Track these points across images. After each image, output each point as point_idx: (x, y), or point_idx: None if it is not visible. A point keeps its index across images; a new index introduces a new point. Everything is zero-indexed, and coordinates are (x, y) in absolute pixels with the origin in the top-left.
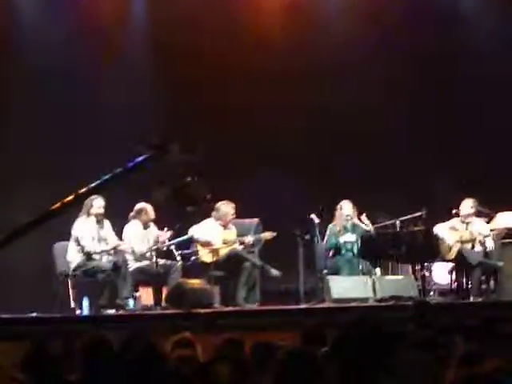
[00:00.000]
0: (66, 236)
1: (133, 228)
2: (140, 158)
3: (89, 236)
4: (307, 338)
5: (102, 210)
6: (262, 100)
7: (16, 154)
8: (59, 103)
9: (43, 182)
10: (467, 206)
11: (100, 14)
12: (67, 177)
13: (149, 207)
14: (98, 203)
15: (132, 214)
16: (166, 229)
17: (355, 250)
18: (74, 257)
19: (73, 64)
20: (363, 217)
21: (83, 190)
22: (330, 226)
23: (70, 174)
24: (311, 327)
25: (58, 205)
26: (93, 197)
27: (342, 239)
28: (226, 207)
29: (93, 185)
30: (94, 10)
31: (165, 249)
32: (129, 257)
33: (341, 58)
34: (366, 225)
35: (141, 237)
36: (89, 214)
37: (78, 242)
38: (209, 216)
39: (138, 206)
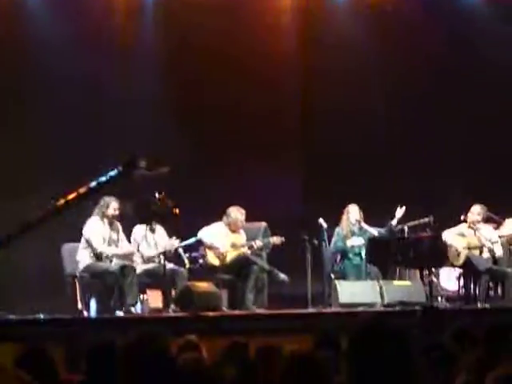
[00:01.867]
0: (74, 237)
1: (141, 231)
2: (111, 173)
3: (100, 237)
4: (319, 342)
5: (116, 212)
6: (271, 106)
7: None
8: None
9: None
10: (476, 212)
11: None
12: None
13: None
14: (114, 205)
15: None
16: (174, 237)
17: (363, 255)
18: (83, 257)
19: (80, 63)
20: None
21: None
22: (337, 229)
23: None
24: (324, 331)
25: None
26: (108, 198)
27: (349, 243)
28: (236, 213)
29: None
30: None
31: (172, 252)
32: (137, 259)
33: (345, 60)
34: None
35: (148, 240)
36: (103, 216)
37: (88, 242)
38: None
39: None
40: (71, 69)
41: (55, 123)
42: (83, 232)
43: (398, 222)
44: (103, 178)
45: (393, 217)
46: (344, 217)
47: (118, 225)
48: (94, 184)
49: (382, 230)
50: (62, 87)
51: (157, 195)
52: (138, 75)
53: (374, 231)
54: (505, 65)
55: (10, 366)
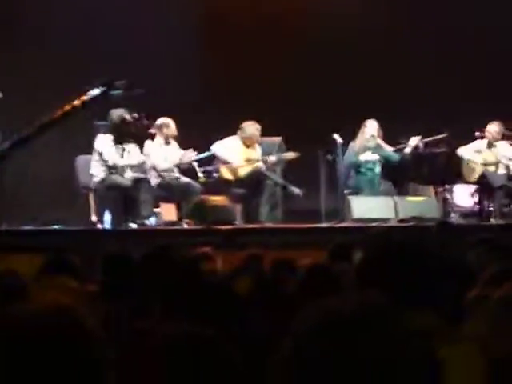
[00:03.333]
0: (89, 150)
1: (154, 144)
2: (93, 92)
3: (112, 149)
4: (333, 255)
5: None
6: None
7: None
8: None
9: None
10: (494, 131)
11: None
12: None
13: (170, 122)
14: (125, 117)
15: (152, 129)
16: (191, 149)
17: (377, 170)
18: (97, 171)
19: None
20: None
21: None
22: (351, 144)
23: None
24: (338, 245)
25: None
26: (118, 111)
27: (362, 158)
28: (251, 128)
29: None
30: None
31: (188, 164)
32: (151, 173)
33: None
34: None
35: (162, 153)
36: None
37: (101, 155)
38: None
39: (159, 120)
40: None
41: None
42: (94, 146)
43: (412, 149)
44: (84, 97)
45: (406, 144)
46: (360, 131)
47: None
48: (76, 102)
49: (396, 155)
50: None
51: (132, 115)
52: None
53: (390, 149)
54: None
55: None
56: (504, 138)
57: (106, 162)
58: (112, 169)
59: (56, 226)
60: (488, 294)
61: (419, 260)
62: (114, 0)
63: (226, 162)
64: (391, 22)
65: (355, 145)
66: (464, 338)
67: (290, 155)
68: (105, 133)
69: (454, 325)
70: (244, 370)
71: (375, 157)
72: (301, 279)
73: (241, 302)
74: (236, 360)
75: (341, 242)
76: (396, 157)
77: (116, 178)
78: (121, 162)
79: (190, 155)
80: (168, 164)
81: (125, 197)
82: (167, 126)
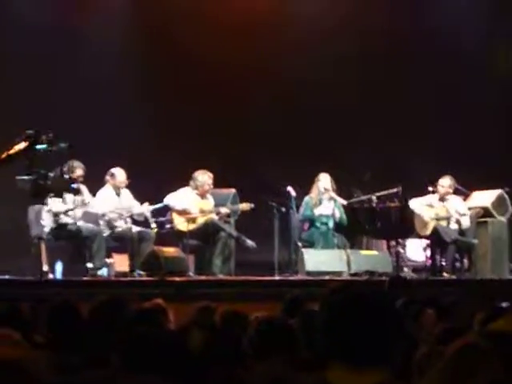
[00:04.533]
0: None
1: (104, 192)
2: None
3: (59, 199)
4: (287, 309)
5: (81, 174)
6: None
7: None
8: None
9: None
10: (446, 184)
11: None
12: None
13: (118, 172)
14: (79, 168)
15: (106, 177)
16: (146, 203)
17: (330, 224)
18: (47, 220)
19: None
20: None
21: None
22: (306, 197)
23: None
24: (292, 299)
25: None
26: (72, 162)
27: (317, 212)
28: (203, 176)
29: None
30: None
31: (137, 216)
32: (102, 223)
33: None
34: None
35: (112, 202)
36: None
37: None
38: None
39: (111, 170)
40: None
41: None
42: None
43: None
44: (11, 151)
45: (359, 197)
46: (314, 185)
47: (84, 188)
48: (4, 156)
49: (345, 220)
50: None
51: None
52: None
53: (343, 201)
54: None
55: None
56: (456, 192)
57: (50, 210)
58: (57, 215)
59: (6, 276)
60: (436, 352)
61: (375, 316)
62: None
63: (181, 212)
64: (339, 77)
65: (311, 199)
66: None
67: (244, 206)
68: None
69: (406, 381)
70: None
71: (330, 211)
72: (253, 334)
73: (194, 356)
74: None
75: (292, 295)
76: (344, 221)
77: (68, 227)
78: (63, 208)
79: (146, 208)
80: (117, 214)
81: (77, 247)
82: (112, 175)
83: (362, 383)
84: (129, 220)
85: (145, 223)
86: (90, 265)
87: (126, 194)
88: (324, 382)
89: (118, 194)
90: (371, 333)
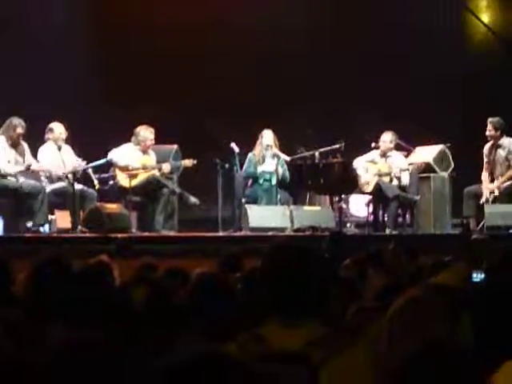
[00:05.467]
0: None
1: (46, 149)
2: None
3: (4, 158)
4: (224, 265)
5: (21, 132)
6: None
7: None
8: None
9: None
10: (388, 139)
11: None
12: None
13: (55, 126)
14: (20, 126)
15: (46, 135)
16: (80, 159)
17: (273, 181)
18: None
19: None
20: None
21: None
22: (250, 154)
23: None
24: (229, 255)
25: None
26: (15, 120)
27: (260, 168)
28: (145, 132)
29: None
30: None
31: (80, 173)
32: (44, 179)
33: None
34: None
35: (54, 158)
36: (8, 137)
37: None
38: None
39: (49, 125)
40: None
41: None
42: None
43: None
44: None
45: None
46: (257, 142)
47: (25, 145)
48: None
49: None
50: None
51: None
52: None
53: (286, 158)
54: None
55: None
56: (398, 148)
57: None
58: (3, 176)
59: None
60: (374, 308)
61: (308, 269)
62: None
63: (123, 169)
64: (285, 27)
65: (254, 156)
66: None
67: (186, 162)
68: None
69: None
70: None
71: (273, 167)
72: (191, 288)
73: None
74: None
75: (230, 251)
76: (287, 178)
77: (10, 183)
78: (12, 170)
79: (80, 163)
80: (62, 168)
81: (19, 202)
82: (51, 130)
83: (295, 337)
84: (70, 176)
85: (88, 180)
86: (29, 224)
87: (67, 149)
88: (260, 338)
89: (60, 149)
90: (305, 287)
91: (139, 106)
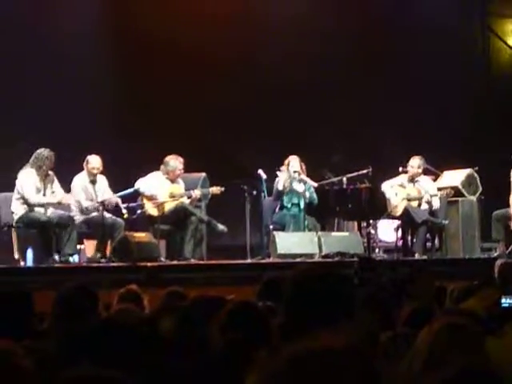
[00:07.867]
0: (10, 187)
1: (79, 180)
2: None
3: (33, 187)
4: (261, 292)
5: (50, 164)
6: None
7: None
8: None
9: None
10: (416, 165)
11: None
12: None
13: (93, 158)
14: (50, 157)
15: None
16: (114, 195)
17: (302, 204)
18: (17, 208)
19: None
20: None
21: None
22: (279, 173)
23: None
24: (266, 282)
25: None
26: (45, 151)
27: (288, 188)
28: (175, 162)
29: None
30: None
31: (113, 205)
32: (75, 209)
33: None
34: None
35: (87, 189)
36: (38, 168)
37: (20, 193)
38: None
39: (87, 157)
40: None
41: None
42: (16, 183)
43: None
44: None
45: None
46: (284, 168)
47: (53, 176)
48: None
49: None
50: None
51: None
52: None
53: (314, 184)
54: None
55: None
56: (426, 172)
57: (26, 200)
58: (31, 206)
59: None
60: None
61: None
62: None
63: (150, 198)
64: (310, 59)
65: (283, 175)
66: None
67: (214, 190)
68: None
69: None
70: None
71: (302, 187)
72: (225, 317)
73: (163, 343)
74: None
75: (267, 278)
76: (315, 200)
77: (38, 215)
78: (41, 201)
79: (114, 200)
80: (93, 200)
81: (48, 234)
82: (87, 162)
83: None
84: (100, 207)
85: (116, 210)
86: (58, 255)
87: (102, 181)
88: None
89: (94, 182)
90: (323, 310)
91: (166, 134)
